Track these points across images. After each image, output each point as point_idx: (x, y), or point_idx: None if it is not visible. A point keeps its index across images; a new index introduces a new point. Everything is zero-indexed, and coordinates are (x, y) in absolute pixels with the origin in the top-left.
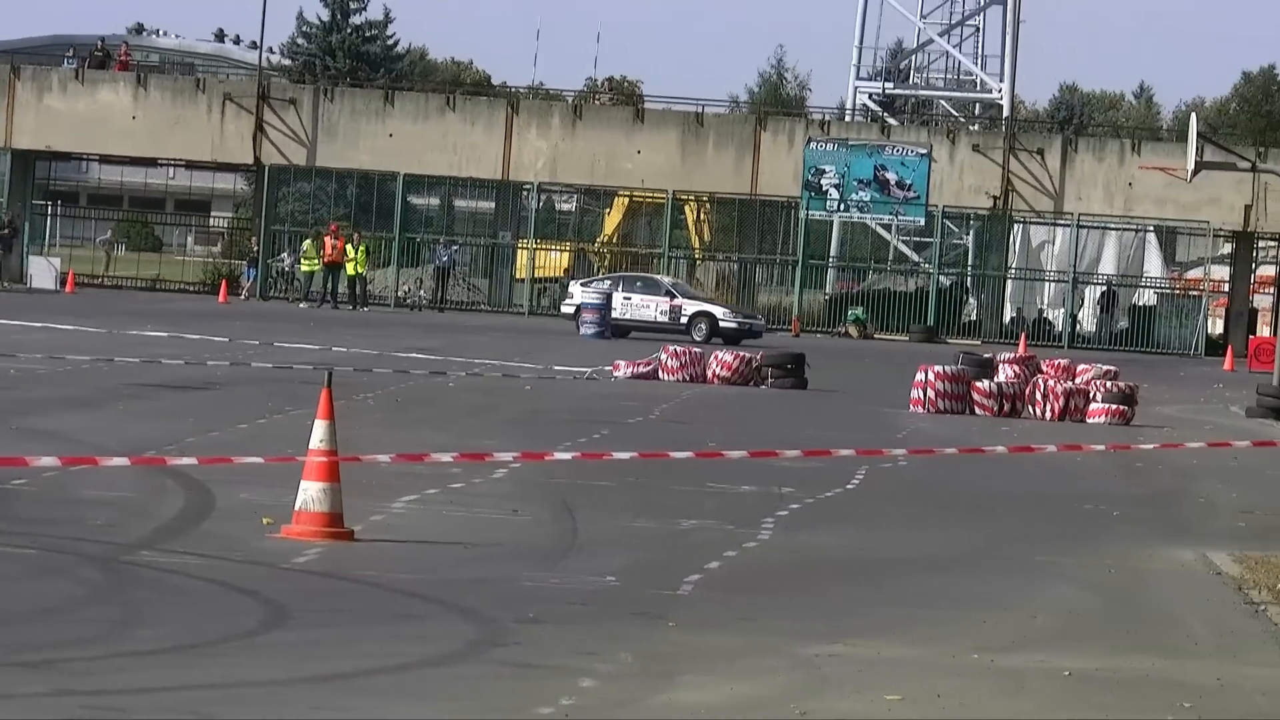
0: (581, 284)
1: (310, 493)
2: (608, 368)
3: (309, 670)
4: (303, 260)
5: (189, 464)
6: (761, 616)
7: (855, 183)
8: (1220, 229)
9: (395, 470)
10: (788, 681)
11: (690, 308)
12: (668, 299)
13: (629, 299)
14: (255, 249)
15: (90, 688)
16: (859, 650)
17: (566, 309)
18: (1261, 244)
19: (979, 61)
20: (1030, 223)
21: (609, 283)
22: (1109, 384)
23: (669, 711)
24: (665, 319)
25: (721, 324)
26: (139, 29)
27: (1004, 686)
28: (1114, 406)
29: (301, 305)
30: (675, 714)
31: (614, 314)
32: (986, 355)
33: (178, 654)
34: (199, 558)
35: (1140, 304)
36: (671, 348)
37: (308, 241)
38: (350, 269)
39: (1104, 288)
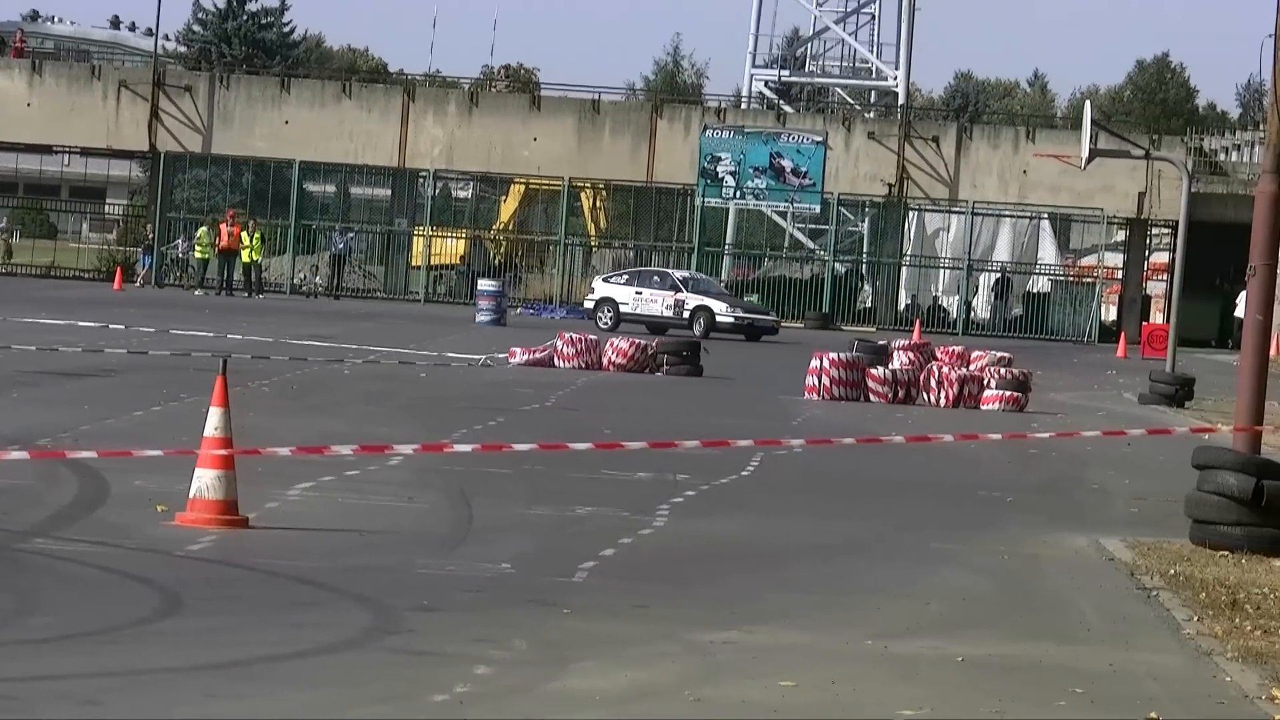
0: (603, 279)
1: (205, 480)
2: (502, 354)
3: (203, 658)
4: (197, 247)
5: (86, 454)
6: (656, 604)
7: (751, 170)
8: (1114, 216)
9: (291, 457)
10: (682, 668)
11: (692, 302)
12: (672, 293)
13: (640, 294)
14: (150, 236)
15: None
16: (753, 637)
17: (588, 304)
18: (1155, 231)
19: (875, 49)
20: (925, 210)
21: (626, 277)
22: (1003, 370)
23: (563, 698)
24: (670, 314)
25: (719, 319)
26: (34, 15)
27: (898, 672)
28: (1008, 393)
29: (197, 292)
30: (570, 701)
31: (625, 309)
32: (881, 342)
33: (71, 642)
34: (93, 545)
35: (1034, 291)
36: (567, 334)
37: (202, 229)
38: (246, 256)
39: (998, 275)
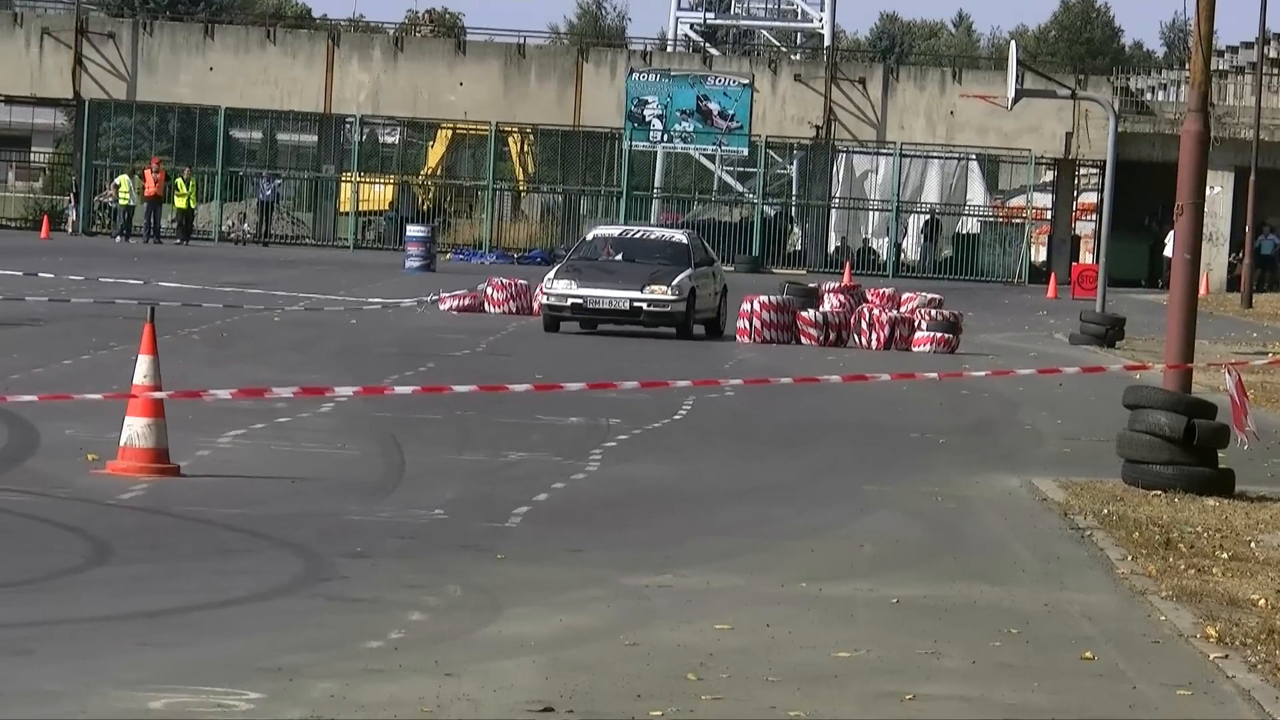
0: None
1: (135, 429)
2: (432, 299)
3: (134, 606)
4: (120, 196)
5: (26, 398)
6: (590, 548)
7: (678, 113)
8: (1042, 157)
9: (221, 405)
10: (616, 613)
11: None
12: None
13: None
14: (77, 184)
15: None
16: (687, 581)
17: None
18: (1083, 171)
19: None
20: (853, 152)
21: None
22: (933, 312)
23: (497, 644)
24: None
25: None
26: None
27: (833, 615)
28: (939, 335)
29: (117, 239)
30: (504, 646)
31: None
32: (812, 285)
33: (0, 592)
34: (22, 495)
35: (964, 232)
36: (496, 279)
37: (123, 176)
38: (180, 203)
39: (927, 216)
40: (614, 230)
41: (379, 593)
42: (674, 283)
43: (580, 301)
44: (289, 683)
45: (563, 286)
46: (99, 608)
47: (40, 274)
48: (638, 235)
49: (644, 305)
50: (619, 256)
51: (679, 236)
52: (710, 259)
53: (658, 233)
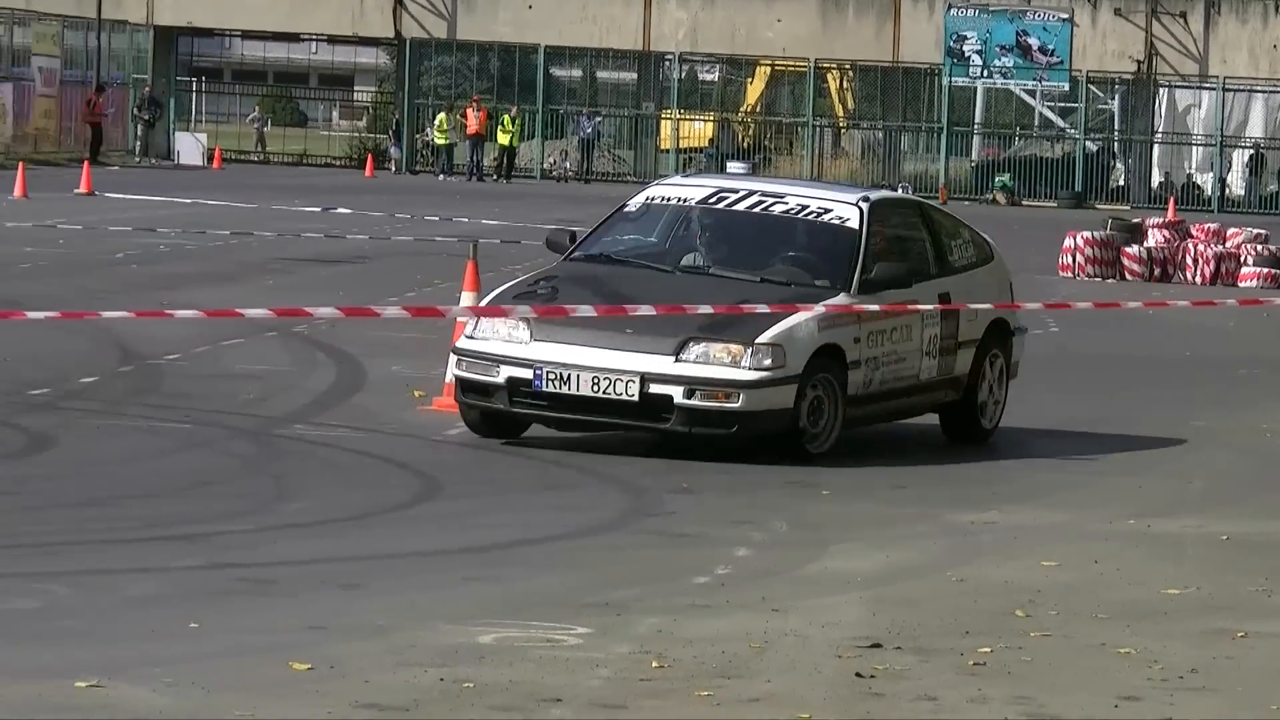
0: None
1: None
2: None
3: (461, 541)
4: (436, 134)
5: (394, 311)
6: (914, 485)
7: (997, 49)
8: None
9: None
10: (942, 549)
11: None
12: None
13: None
14: (399, 123)
15: (243, 560)
16: (1013, 517)
17: None
18: None
19: None
20: (1175, 86)
21: None
22: (1260, 247)
23: (824, 579)
24: None
25: None
26: None
27: (1161, 551)
28: (1265, 270)
29: (439, 178)
30: (830, 581)
31: None
32: (1135, 220)
33: (329, 526)
34: (350, 431)
35: None
36: None
37: (441, 115)
38: (504, 140)
39: (1252, 151)
40: (688, 190)
41: (705, 528)
42: (761, 338)
43: (520, 376)
44: (616, 618)
45: (503, 334)
46: (427, 542)
47: (366, 212)
48: (747, 207)
49: (675, 396)
50: (692, 258)
51: (841, 212)
52: (981, 258)
53: (797, 197)
